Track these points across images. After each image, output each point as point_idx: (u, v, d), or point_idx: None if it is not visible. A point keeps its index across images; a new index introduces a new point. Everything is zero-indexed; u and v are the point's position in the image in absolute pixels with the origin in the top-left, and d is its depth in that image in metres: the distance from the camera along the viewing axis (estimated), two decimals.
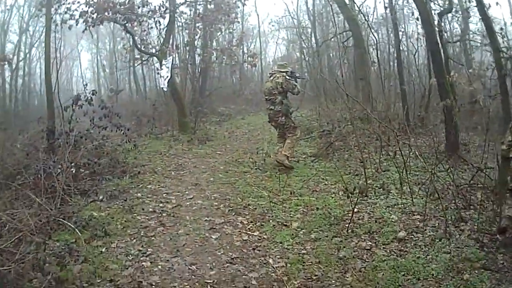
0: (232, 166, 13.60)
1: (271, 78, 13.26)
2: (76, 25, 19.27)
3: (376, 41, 20.94)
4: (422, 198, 8.80)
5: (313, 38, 34.83)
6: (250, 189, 10.80)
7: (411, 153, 11.15)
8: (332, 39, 28.89)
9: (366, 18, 24.68)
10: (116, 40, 39.73)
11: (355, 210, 8.24)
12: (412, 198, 8.84)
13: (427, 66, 17.88)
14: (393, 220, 7.98)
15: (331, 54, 32.81)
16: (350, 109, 15.10)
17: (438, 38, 13.17)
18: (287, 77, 13.04)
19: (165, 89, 20.81)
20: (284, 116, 13.08)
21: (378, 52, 20.53)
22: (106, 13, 18.67)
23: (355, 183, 10.36)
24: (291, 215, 8.82)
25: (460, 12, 18.83)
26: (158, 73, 21.54)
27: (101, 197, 9.90)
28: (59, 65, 27.76)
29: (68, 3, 18.96)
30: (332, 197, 9.75)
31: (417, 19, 18.72)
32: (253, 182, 11.50)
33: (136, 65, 31.74)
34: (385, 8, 20.31)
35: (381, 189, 9.80)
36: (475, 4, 11.58)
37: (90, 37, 48.31)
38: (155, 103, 22.79)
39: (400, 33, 20.97)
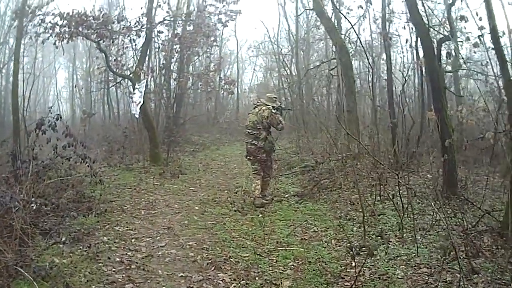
0: (208, 207, 12.66)
1: (256, 110, 12.78)
2: (48, 38, 18.57)
3: (372, 69, 19.77)
4: (426, 247, 8.17)
5: (293, 66, 34.16)
6: (230, 236, 9.82)
7: (404, 192, 10.39)
8: (316, 67, 28.54)
9: (358, 44, 23.81)
10: (92, 59, 38.36)
11: (353, 264, 7.55)
12: (417, 247, 8.03)
13: (419, 97, 17.18)
14: (399, 277, 7.14)
15: (314, 83, 32.06)
16: (335, 143, 14.40)
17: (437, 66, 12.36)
18: (273, 111, 12.49)
19: (136, 116, 19.79)
20: (266, 153, 12.78)
21: (373, 81, 19.53)
22: (78, 28, 18.03)
23: (349, 230, 9.74)
24: (280, 271, 7.85)
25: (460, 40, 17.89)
26: (130, 97, 20.60)
27: (63, 239, 8.84)
28: (33, 82, 26.89)
29: (43, 15, 18.16)
30: (325, 248, 8.88)
31: (410, 46, 18.04)
32: (232, 227, 10.59)
33: (109, 87, 31.00)
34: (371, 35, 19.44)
35: (379, 237, 8.84)
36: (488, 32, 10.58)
37: (68, 55, 47.76)
38: (125, 130, 21.62)
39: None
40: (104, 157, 20.44)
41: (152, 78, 26.47)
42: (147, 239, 9.58)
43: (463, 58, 18.03)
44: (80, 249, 8.49)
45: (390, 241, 8.61)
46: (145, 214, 11.69)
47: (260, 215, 11.34)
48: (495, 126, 11.65)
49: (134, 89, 19.12)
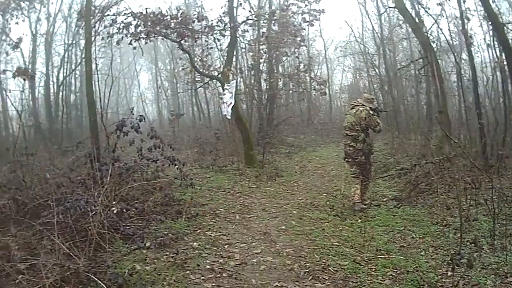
0: (306, 211, 11.92)
1: (353, 111, 12.14)
2: (122, 39, 18.20)
3: (458, 68, 19.08)
4: None
5: (381, 66, 33.47)
6: (328, 242, 9.11)
7: (495, 197, 9.54)
8: (405, 67, 27.32)
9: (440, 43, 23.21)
10: (175, 60, 38.44)
11: (449, 273, 7.09)
12: (505, 255, 7.54)
13: (500, 97, 16.57)
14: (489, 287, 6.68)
15: (403, 83, 31.07)
16: (429, 145, 13.86)
17: None
18: (371, 112, 11.81)
19: (228, 117, 19.19)
20: (365, 156, 12.12)
21: (461, 81, 18.82)
22: (155, 27, 17.64)
23: (445, 236, 9.11)
24: (379, 281, 7.25)
25: None
26: (220, 98, 19.99)
27: (148, 244, 8.30)
28: (112, 83, 26.95)
29: (113, 15, 18.03)
30: (423, 256, 8.35)
31: (488, 45, 17.44)
32: (331, 232, 9.88)
33: (197, 88, 30.36)
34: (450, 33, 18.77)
35: (473, 244, 8.26)
36: None
37: (149, 56, 48.05)
38: (217, 131, 21.10)
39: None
40: (196, 159, 20.14)
41: (241, 79, 26.22)
42: (242, 245, 9.04)
43: None
44: (166, 255, 8.02)
45: (483, 249, 8.13)
46: (240, 219, 11.18)
47: (360, 220, 10.81)
48: None
49: (223, 90, 18.67)
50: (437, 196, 11.96)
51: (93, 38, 19.01)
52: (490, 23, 14.05)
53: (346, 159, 12.43)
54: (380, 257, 8.26)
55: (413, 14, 19.66)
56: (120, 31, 17.99)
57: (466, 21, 17.61)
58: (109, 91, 25.00)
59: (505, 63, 14.02)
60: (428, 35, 19.31)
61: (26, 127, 20.46)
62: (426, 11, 20.09)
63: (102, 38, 18.89)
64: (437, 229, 9.67)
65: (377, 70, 33.73)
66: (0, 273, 6.21)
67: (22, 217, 8.43)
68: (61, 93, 29.71)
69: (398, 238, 9.40)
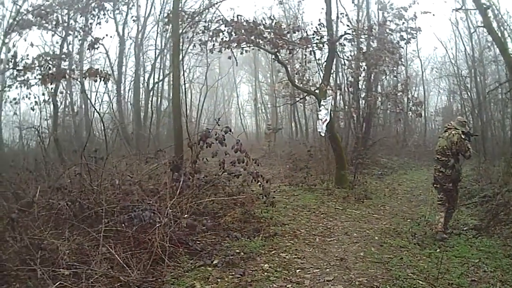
0: (388, 237, 11.54)
1: (446, 134, 11.75)
2: (213, 46, 17.98)
3: None
4: None
5: (473, 88, 32.75)
6: (404, 273, 8.68)
7: None
8: (494, 90, 26.84)
9: None
10: (274, 73, 38.91)
11: None
12: None
13: None
14: None
15: (491, 107, 30.40)
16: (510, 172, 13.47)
17: None
18: (462, 136, 11.42)
19: (322, 134, 18.63)
20: (453, 182, 11.69)
21: None
22: (248, 36, 17.27)
23: None
24: None
25: None
26: (316, 115, 19.76)
27: (215, 262, 8.09)
28: (206, 92, 27.05)
29: (205, 22, 18.01)
30: None
31: None
32: (409, 262, 9.43)
33: (294, 102, 29.44)
34: None
35: None
36: None
37: (249, 68, 48.23)
38: (310, 149, 20.82)
39: None
40: (287, 175, 19.94)
41: (340, 96, 26.12)
42: (315, 270, 8.66)
43: None
44: (232, 275, 7.77)
45: None
46: (319, 242, 10.79)
47: (438, 250, 10.34)
48: None
49: (319, 106, 18.31)
50: None
51: (183, 45, 19.06)
52: None
53: (435, 185, 12.05)
54: None
55: (499, 35, 19.30)
56: (213, 39, 17.82)
57: None
58: (202, 101, 25.11)
59: None
60: None
61: (108, 130, 20.63)
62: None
63: (194, 46, 18.98)
64: (508, 262, 9.32)
65: (469, 93, 33.16)
66: (42, 276, 6.14)
67: (80, 222, 8.40)
68: (151, 99, 30.04)
69: (471, 271, 8.96)
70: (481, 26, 20.41)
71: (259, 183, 11.85)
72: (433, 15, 22.16)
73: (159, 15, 30.12)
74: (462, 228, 12.58)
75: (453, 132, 11.47)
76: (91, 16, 21.63)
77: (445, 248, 10.48)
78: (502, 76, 29.72)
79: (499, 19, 23.04)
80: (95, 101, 28.33)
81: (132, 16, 28.64)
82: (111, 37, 24.54)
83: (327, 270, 8.66)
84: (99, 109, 26.23)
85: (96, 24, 21.84)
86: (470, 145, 11.57)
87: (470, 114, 31.69)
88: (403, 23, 20.65)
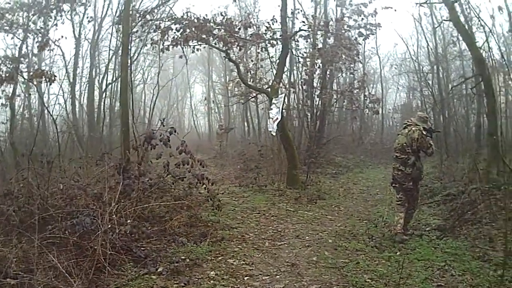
0: (343, 240, 11.15)
1: (406, 131, 11.40)
2: (163, 44, 17.88)
3: None
4: None
5: (435, 85, 33.05)
6: (361, 279, 8.30)
7: None
8: (458, 85, 27.04)
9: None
10: (227, 72, 39.56)
11: None
12: None
13: None
14: None
15: (454, 103, 30.49)
16: (477, 169, 13.32)
17: None
18: (424, 132, 11.08)
19: (273, 133, 18.56)
20: (413, 181, 11.33)
21: None
22: (196, 33, 17.12)
23: (485, 274, 8.30)
24: None
25: None
26: (267, 113, 19.57)
27: (160, 269, 7.86)
28: (157, 93, 26.78)
29: (156, 20, 17.83)
30: None
31: None
32: (366, 267, 9.02)
33: (245, 101, 29.83)
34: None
35: None
36: None
37: (203, 68, 48.43)
38: (261, 148, 20.68)
39: None
40: (237, 176, 19.85)
41: (294, 94, 25.94)
42: (264, 277, 8.36)
43: None
44: (176, 283, 7.54)
45: None
46: (269, 246, 10.48)
47: (398, 253, 9.99)
48: None
49: (271, 105, 18.15)
50: (481, 227, 11.32)
51: (138, 45, 18.69)
52: None
53: (393, 184, 11.72)
54: None
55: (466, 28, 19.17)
56: (165, 38, 17.68)
57: None
58: (154, 101, 24.76)
59: None
60: (482, 51, 18.75)
61: (61, 133, 20.31)
62: (480, 17, 19.47)
63: (146, 45, 18.89)
64: (477, 264, 8.92)
65: (429, 89, 33.24)
66: None
67: (27, 228, 8.06)
68: (103, 100, 29.60)
69: (437, 275, 8.54)
70: (447, 20, 20.44)
71: (204, 185, 11.66)
72: (395, 10, 22.09)
73: (115, 16, 29.38)
74: (424, 229, 12.26)
75: (413, 128, 11.17)
76: (49, 18, 21.35)
77: (406, 251, 10.21)
78: (466, 71, 30.06)
79: (468, 13, 23.07)
80: (54, 103, 27.77)
81: (88, 17, 28.15)
82: (65, 38, 24.26)
83: (278, 276, 8.39)
84: (57, 112, 25.90)
85: (52, 26, 21.62)
86: (432, 142, 11.31)
87: (432, 110, 31.81)
88: (362, 19, 20.62)
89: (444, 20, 23.96)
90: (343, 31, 20.78)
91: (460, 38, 24.00)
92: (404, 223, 11.21)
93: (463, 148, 21.37)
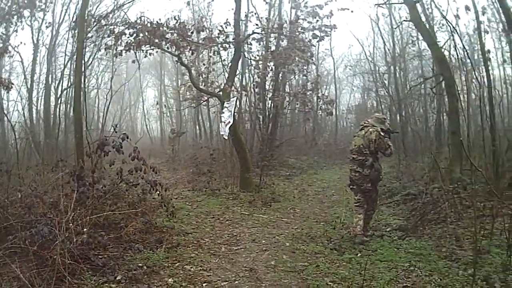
0: (301, 243, 11.00)
1: (363, 132, 11.31)
2: (116, 49, 17.74)
3: (479, 85, 18.35)
4: None
5: (391, 85, 33.27)
6: (322, 282, 8.19)
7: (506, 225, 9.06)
8: (418, 85, 27.35)
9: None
10: (179, 76, 39.62)
11: None
12: None
13: None
14: None
15: (413, 103, 30.64)
16: (439, 169, 13.51)
17: None
18: (381, 133, 11.01)
19: (225, 137, 18.48)
20: (372, 183, 11.24)
21: (481, 99, 17.98)
22: (148, 37, 17.02)
23: (454, 273, 8.22)
24: None
25: None
26: (219, 117, 19.34)
27: (118, 277, 7.75)
28: (110, 98, 26.53)
29: (111, 26, 17.70)
30: None
31: (504, 61, 16.89)
32: (327, 270, 8.90)
33: (196, 105, 29.61)
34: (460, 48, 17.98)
35: (484, 282, 7.58)
36: None
37: (156, 72, 48.30)
38: (213, 152, 20.65)
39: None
40: (190, 180, 19.71)
41: (246, 97, 26.07)
42: (223, 283, 8.21)
43: None
44: None
45: (495, 287, 7.44)
46: (226, 251, 10.33)
47: (359, 255, 9.95)
48: None
49: (222, 108, 18.12)
50: (446, 226, 11.18)
51: (88, 49, 18.49)
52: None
53: (351, 186, 11.65)
54: None
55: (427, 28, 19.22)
56: (119, 43, 17.54)
57: (483, 34, 17.06)
58: (107, 106, 24.48)
59: None
60: (444, 51, 18.75)
61: (19, 140, 20.04)
62: (445, 17, 19.51)
63: (100, 50, 18.65)
64: (445, 264, 8.86)
65: (386, 90, 33.46)
66: None
67: None
68: (59, 106, 29.17)
69: (402, 276, 8.46)
70: (408, 20, 20.41)
71: (158, 192, 11.57)
72: (352, 11, 22.14)
73: (72, 21, 29.10)
74: (385, 229, 12.25)
75: (370, 129, 11.12)
76: (10, 24, 21.11)
77: (367, 252, 10.12)
78: (425, 71, 30.51)
79: (430, 13, 23.35)
80: (13, 110, 28.69)
81: (46, 23, 27.91)
82: (24, 44, 24.02)
83: (236, 282, 8.27)
84: (16, 118, 25.74)
85: (13, 32, 21.39)
86: (390, 143, 11.28)
87: (388, 110, 32.25)
88: (317, 21, 20.44)
89: (404, 20, 24.07)
90: (297, 33, 20.66)
91: (420, 38, 24.34)
92: (363, 224, 11.11)
93: (422, 147, 21.35)
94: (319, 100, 28.76)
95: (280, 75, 26.04)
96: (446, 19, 16.82)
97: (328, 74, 48.02)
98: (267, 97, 26.26)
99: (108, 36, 18.04)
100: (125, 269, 8.08)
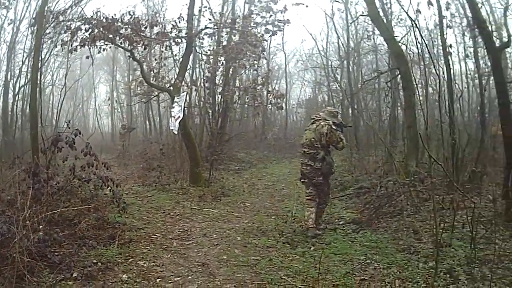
0: (252, 237, 11.06)
1: (314, 126, 11.27)
2: (71, 45, 17.53)
3: (438, 79, 18.43)
4: (495, 285, 6.94)
5: (343, 80, 33.87)
6: (276, 276, 8.18)
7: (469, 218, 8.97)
8: (372, 79, 27.23)
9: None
10: (130, 71, 39.42)
11: None
12: (490, 286, 6.78)
13: (479, 111, 16.54)
14: None
15: (366, 97, 31.19)
16: (391, 161, 13.84)
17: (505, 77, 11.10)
18: (333, 127, 11.03)
19: (174, 132, 18.30)
20: (323, 176, 11.22)
21: (440, 93, 18.00)
22: (102, 32, 16.91)
23: (414, 266, 8.21)
24: None
25: None
26: (169, 112, 19.62)
27: (75, 275, 7.72)
28: (64, 94, 26.36)
29: (68, 22, 17.55)
30: None
31: (467, 55, 17.06)
32: (280, 263, 8.92)
33: (148, 100, 29.76)
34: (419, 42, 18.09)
35: (447, 274, 7.55)
36: None
37: (108, 68, 48.02)
38: (163, 147, 20.86)
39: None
40: (140, 176, 19.66)
41: (196, 92, 26.07)
42: (176, 278, 8.17)
43: None
44: None
45: (460, 279, 7.36)
46: (177, 246, 10.31)
47: (313, 248, 9.98)
48: None
49: (173, 103, 18.01)
50: (403, 219, 11.21)
51: (46, 45, 18.30)
52: (477, 30, 13.31)
53: (302, 180, 11.61)
54: None
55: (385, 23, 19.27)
56: (75, 39, 17.35)
57: (446, 29, 17.11)
58: (61, 102, 24.22)
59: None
60: (401, 45, 18.83)
61: None
62: (406, 12, 19.64)
63: (59, 46, 18.52)
64: (403, 257, 8.87)
65: (338, 84, 33.83)
66: None
67: None
68: (16, 103, 28.88)
69: (358, 269, 8.45)
70: (365, 15, 20.46)
71: (109, 187, 11.62)
72: (306, 6, 22.06)
73: (31, 17, 29.08)
74: (338, 223, 12.30)
75: (322, 123, 11.07)
76: None
77: (320, 246, 10.07)
78: (380, 66, 31.35)
79: (388, 8, 23.68)
80: None
81: (8, 20, 27.67)
82: None
83: (190, 277, 8.24)
84: None
85: None
86: (343, 136, 11.20)
87: (340, 104, 32.47)
88: (271, 16, 20.52)
89: (361, 15, 24.17)
90: (249, 28, 20.78)
91: (376, 32, 24.46)
92: (315, 217, 11.12)
93: (376, 141, 21.43)
94: (269, 94, 29.11)
95: (231, 69, 26.14)
96: (407, 13, 16.92)
97: (279, 69, 48.40)
98: (217, 91, 26.48)
99: (65, 32, 17.86)
100: (80, 266, 8.07)
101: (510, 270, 7.36)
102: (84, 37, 16.96)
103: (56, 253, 8.39)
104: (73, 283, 7.41)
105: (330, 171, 11.32)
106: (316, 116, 11.56)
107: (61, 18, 17.64)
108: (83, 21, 17.06)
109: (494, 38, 13.51)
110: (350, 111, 31.52)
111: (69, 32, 17.25)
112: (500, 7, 16.56)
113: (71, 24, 17.38)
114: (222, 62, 23.63)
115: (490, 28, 11.87)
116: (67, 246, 8.87)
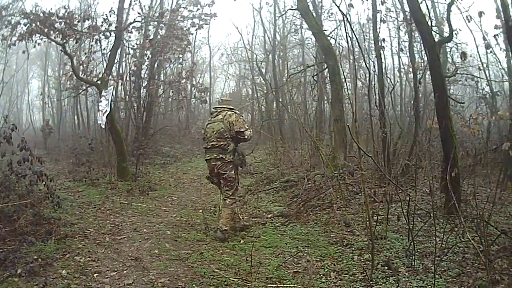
0: (181, 231, 11.20)
1: (220, 116, 10.94)
2: (10, 40, 17.83)
3: (369, 73, 18.51)
4: (441, 277, 7.02)
5: (268, 74, 34.64)
6: (209, 269, 8.27)
7: (405, 211, 8.92)
8: (299, 73, 27.31)
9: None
10: (61, 66, 39.00)
11: None
12: (434, 278, 6.76)
13: (414, 105, 16.85)
14: None
15: (292, 91, 30.66)
16: (321, 155, 14.12)
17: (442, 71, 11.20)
18: (241, 115, 11.14)
19: (102, 126, 18.50)
20: (235, 169, 10.92)
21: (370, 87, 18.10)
22: (38, 25, 16.95)
23: (348, 258, 8.41)
24: None
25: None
26: (97, 106, 19.79)
27: (19, 271, 7.75)
28: (1, 90, 26.02)
29: (9, 16, 17.72)
30: (324, 282, 7.48)
31: (401, 49, 17.26)
32: (211, 257, 9.06)
33: (77, 94, 29.33)
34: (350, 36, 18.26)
35: (385, 266, 7.64)
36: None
37: (40, 63, 47.58)
38: (91, 141, 20.37)
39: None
40: (70, 171, 19.68)
41: (122, 86, 26.30)
42: (112, 273, 8.17)
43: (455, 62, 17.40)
44: (36, 285, 7.35)
45: (400, 272, 7.42)
46: (110, 241, 10.30)
47: (242, 241, 10.13)
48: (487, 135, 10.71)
49: (100, 97, 18.12)
50: (333, 212, 11.26)
51: None
52: (414, 25, 13.44)
53: (210, 177, 11.36)
54: (272, 286, 7.47)
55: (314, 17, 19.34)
56: (14, 33, 17.59)
57: (379, 23, 17.25)
58: None
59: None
60: (330, 39, 19.02)
61: None
62: (338, 7, 19.64)
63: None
64: (337, 249, 9.01)
65: (262, 77, 33.88)
66: None
67: None
68: None
69: (290, 262, 8.55)
70: (294, 9, 20.48)
71: (44, 182, 11.55)
72: (234, 0, 22.12)
73: None
74: (266, 216, 12.41)
75: (229, 112, 10.82)
76: None
77: (250, 239, 10.26)
78: (306, 59, 32.07)
79: (318, 2, 23.80)
80: None
81: None
82: None
83: (125, 272, 8.27)
84: None
85: None
86: (246, 125, 10.85)
87: (264, 98, 33.31)
88: (198, 9, 21.14)
89: (290, 9, 24.24)
90: (177, 21, 21.18)
91: (304, 26, 24.79)
92: (225, 223, 10.60)
93: (302, 134, 21.51)
94: (193, 88, 30.71)
95: (156, 63, 26.36)
96: (338, 7, 17.04)
97: (203, 63, 49.27)
98: (142, 85, 26.57)
99: (6, 27, 17.90)
100: (23, 262, 8.08)
101: (455, 262, 7.47)
102: (22, 31, 16.95)
103: (0, 250, 8.39)
104: (18, 280, 7.41)
105: (243, 163, 10.98)
106: (218, 108, 11.24)
107: (3, 13, 17.49)
108: (22, 16, 17.06)
109: (434, 34, 13.67)
110: (275, 105, 31.67)
111: (10, 26, 17.23)
112: (444, 2, 16.69)
113: (11, 18, 17.40)
114: (148, 56, 23.99)
115: (429, 23, 11.93)
116: (10, 243, 8.88)
